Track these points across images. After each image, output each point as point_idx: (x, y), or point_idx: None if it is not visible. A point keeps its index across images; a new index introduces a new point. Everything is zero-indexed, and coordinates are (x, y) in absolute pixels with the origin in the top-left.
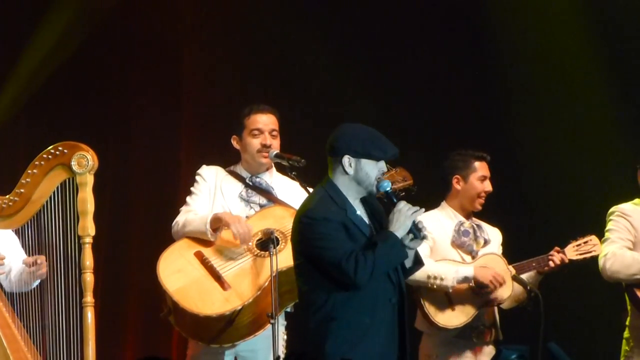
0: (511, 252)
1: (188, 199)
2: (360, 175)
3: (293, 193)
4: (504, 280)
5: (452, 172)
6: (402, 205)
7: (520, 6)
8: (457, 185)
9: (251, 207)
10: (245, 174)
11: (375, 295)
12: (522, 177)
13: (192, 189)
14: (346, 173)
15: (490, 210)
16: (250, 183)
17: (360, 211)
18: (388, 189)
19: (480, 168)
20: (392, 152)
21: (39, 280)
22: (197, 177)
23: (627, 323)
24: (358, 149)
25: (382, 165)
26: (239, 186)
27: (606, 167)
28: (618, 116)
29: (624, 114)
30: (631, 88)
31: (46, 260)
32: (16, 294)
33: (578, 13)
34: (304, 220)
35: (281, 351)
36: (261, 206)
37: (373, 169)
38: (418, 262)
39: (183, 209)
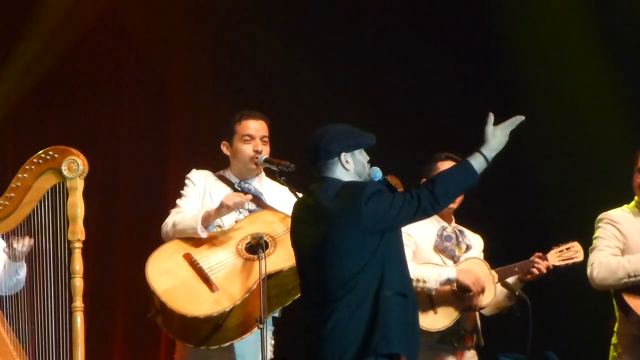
0: (495, 258)
1: (178, 201)
2: (358, 167)
3: (282, 198)
4: (485, 287)
5: (422, 176)
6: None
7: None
8: None
9: (240, 212)
10: (234, 179)
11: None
12: (510, 182)
13: (181, 192)
14: (346, 170)
15: (473, 216)
16: (239, 188)
17: None
18: (379, 175)
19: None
20: (373, 136)
21: (23, 275)
22: (186, 181)
23: (615, 329)
24: (350, 142)
25: (364, 154)
26: (227, 191)
27: (598, 172)
28: (612, 120)
29: (617, 117)
30: (628, 93)
31: (36, 265)
32: (6, 298)
33: (582, 12)
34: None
35: (269, 357)
36: (250, 211)
37: (364, 158)
38: None
39: (172, 211)
